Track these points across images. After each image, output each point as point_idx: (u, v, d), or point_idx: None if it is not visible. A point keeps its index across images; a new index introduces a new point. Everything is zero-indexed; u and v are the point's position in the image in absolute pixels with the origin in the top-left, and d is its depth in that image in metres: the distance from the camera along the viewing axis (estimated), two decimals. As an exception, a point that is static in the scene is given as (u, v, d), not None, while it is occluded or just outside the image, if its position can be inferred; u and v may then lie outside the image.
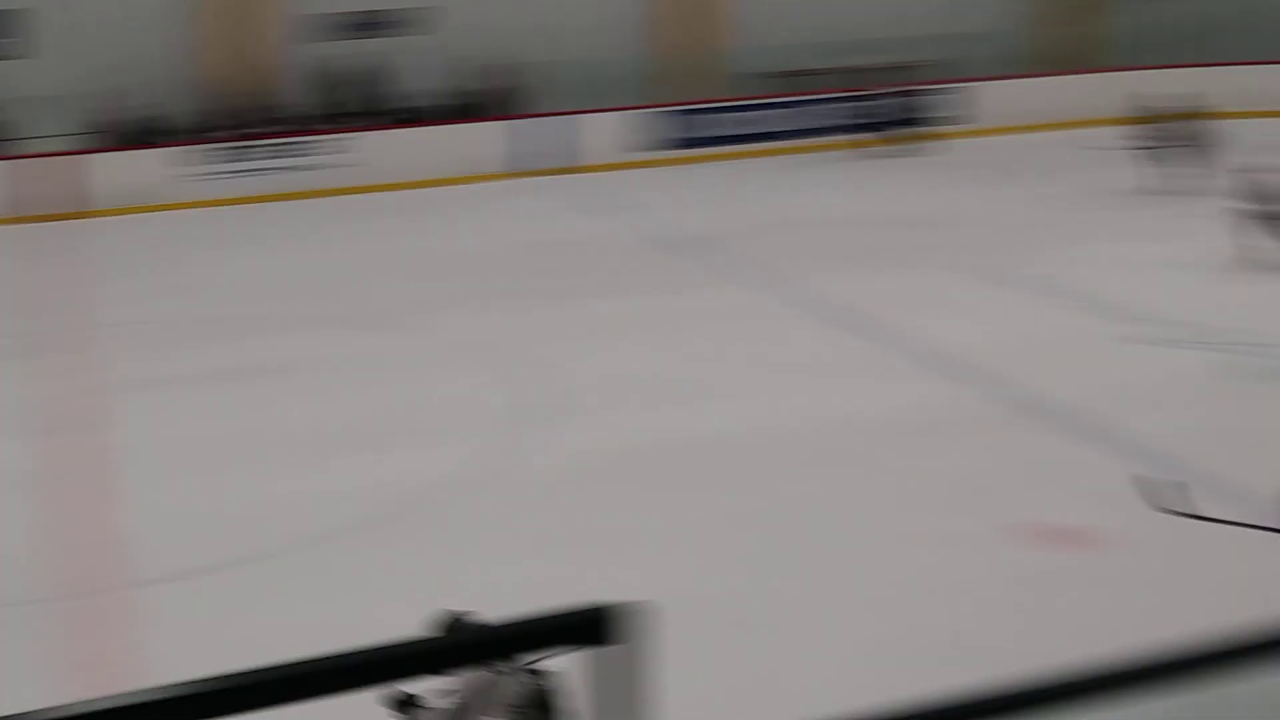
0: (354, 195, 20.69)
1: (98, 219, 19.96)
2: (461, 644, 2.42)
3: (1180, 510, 7.93)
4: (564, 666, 4.13)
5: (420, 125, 22.15)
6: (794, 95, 23.43)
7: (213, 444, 11.02)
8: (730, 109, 23.25)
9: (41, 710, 1.78)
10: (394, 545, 9.18)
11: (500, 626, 2.12)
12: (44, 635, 8.05)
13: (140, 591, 8.58)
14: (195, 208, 20.47)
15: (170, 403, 11.99)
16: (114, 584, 8.77)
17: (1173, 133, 18.31)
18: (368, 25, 23.00)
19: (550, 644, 2.15)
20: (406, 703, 5.19)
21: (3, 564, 8.94)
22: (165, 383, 12.50)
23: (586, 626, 1.99)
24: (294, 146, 21.43)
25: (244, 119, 21.64)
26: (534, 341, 13.38)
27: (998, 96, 23.62)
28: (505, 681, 5.29)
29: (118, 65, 21.54)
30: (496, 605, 7.41)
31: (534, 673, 5.31)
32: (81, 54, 21.69)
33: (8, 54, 21.68)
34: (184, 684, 1.83)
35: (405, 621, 7.69)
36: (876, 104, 22.65)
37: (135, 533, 9.42)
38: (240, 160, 21.21)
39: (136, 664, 7.66)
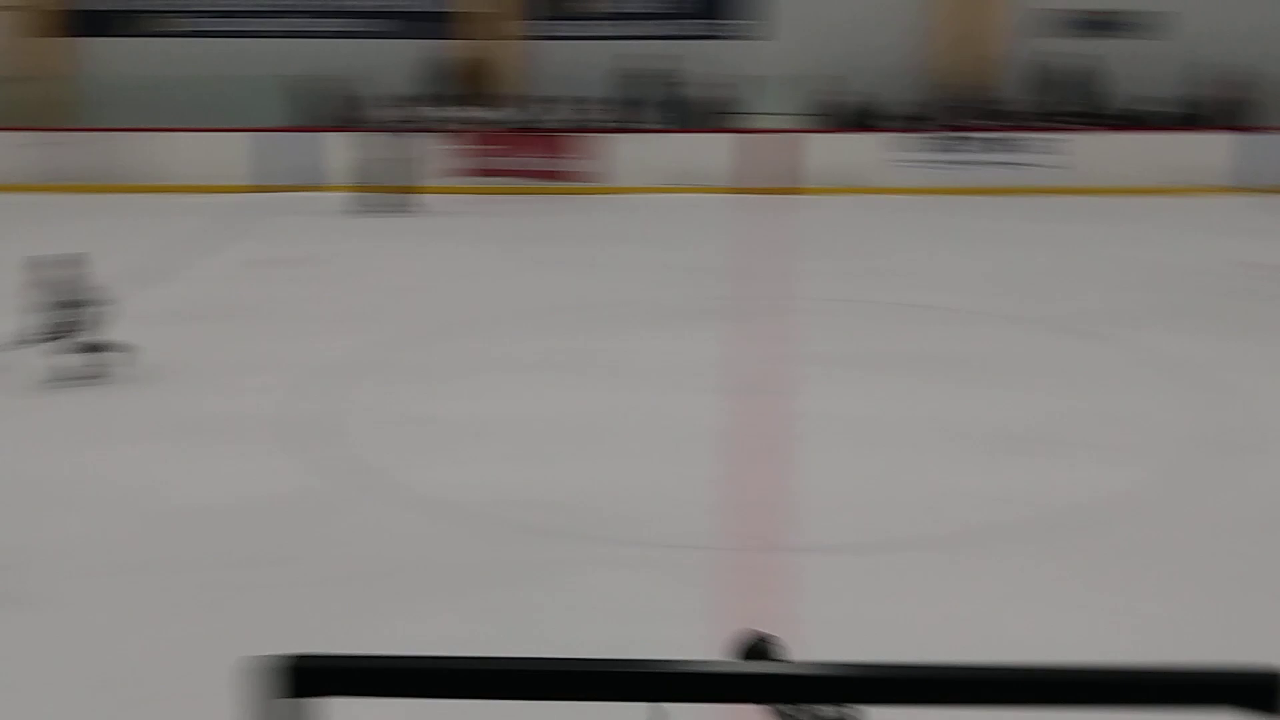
0: (1062, 196, 20.34)
1: (809, 196, 20.88)
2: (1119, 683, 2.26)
3: None
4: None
5: (1140, 130, 21.32)
6: None
7: (887, 425, 11.17)
8: None
9: (690, 662, 1.85)
10: (1054, 555, 8.92)
11: (1155, 672, 1.97)
12: (706, 582, 8.44)
13: (801, 557, 8.83)
14: (902, 194, 20.87)
15: (852, 380, 12.28)
16: (777, 545, 9.09)
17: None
18: (1098, 25, 22.39)
19: (1203, 700, 1.97)
20: None
21: (684, 509, 9.49)
22: (850, 360, 12.83)
23: (1257, 690, 1.81)
24: (1007, 142, 21.32)
25: (961, 110, 21.78)
26: (1231, 369, 12.55)
27: None
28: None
29: (846, 51, 22.42)
30: (1147, 645, 7.09)
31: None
32: (813, 38, 22.74)
33: (747, 35, 23.11)
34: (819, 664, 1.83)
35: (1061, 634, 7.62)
36: None
37: (805, 500, 9.74)
38: (951, 151, 21.37)
39: (783, 625, 7.93)
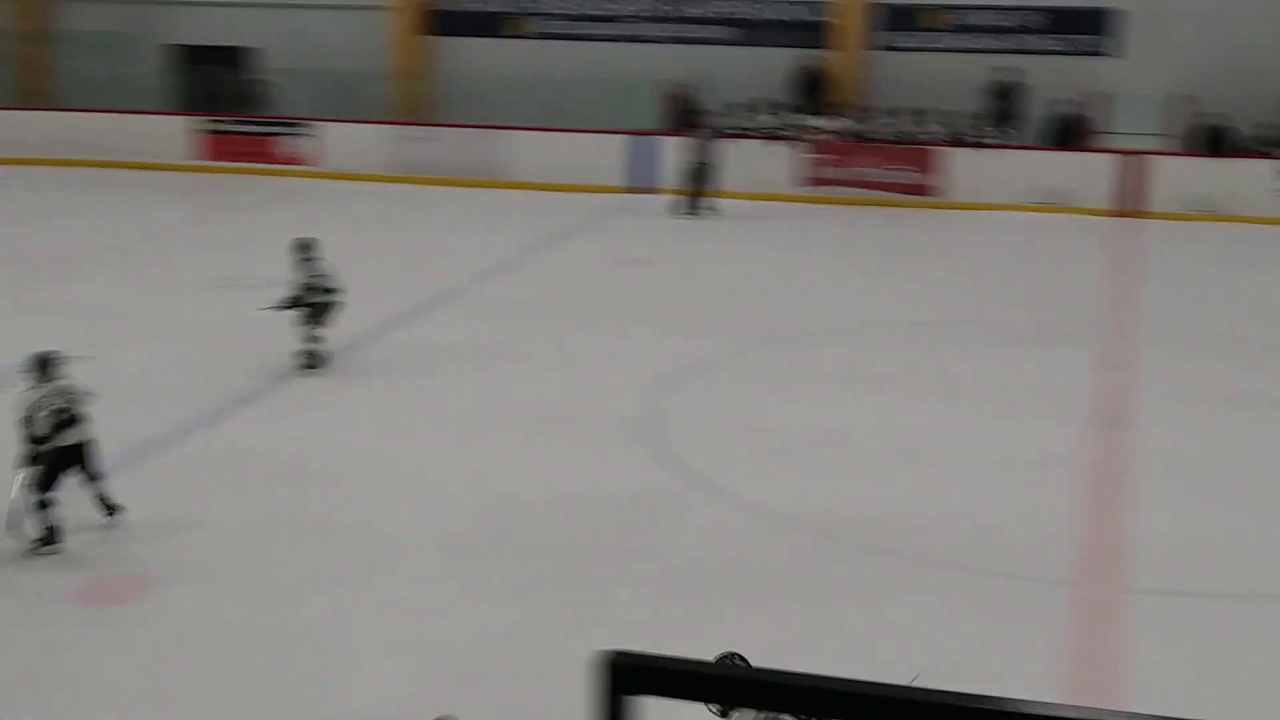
0: None
1: (1160, 221, 20.19)
2: None
3: None
4: None
5: None
6: None
7: (1230, 467, 10.70)
8: None
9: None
10: None
11: None
12: (1042, 617, 8.21)
13: (1134, 598, 8.57)
14: (1262, 223, 19.92)
15: (1207, 417, 11.77)
16: (1112, 583, 8.83)
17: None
18: None
19: None
20: None
21: (1023, 539, 9.25)
22: (1204, 396, 12.32)
23: None
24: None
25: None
26: None
27: None
28: None
29: (1203, 71, 21.51)
30: None
31: None
32: (1168, 57, 21.92)
33: (1100, 51, 22.42)
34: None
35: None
36: None
37: (1141, 538, 9.41)
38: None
39: (1113, 667, 7.72)
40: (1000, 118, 21.84)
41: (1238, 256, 18.32)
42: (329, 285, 12.46)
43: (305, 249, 12.56)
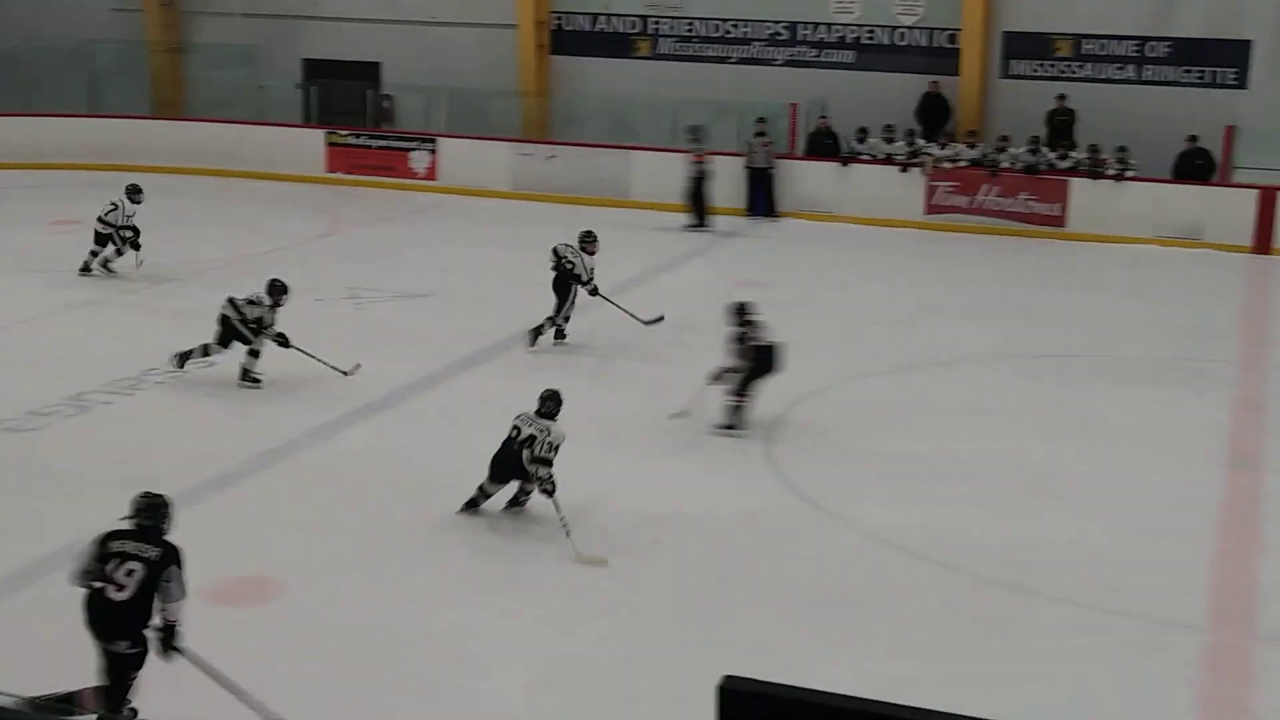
0: None
1: None
2: None
3: None
4: None
5: None
6: None
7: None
8: None
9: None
10: None
11: None
12: (1175, 658, 8.06)
13: (1265, 645, 8.30)
14: None
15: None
16: (1243, 630, 8.56)
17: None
18: None
19: None
20: None
21: (1172, 581, 9.09)
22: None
23: None
24: None
25: None
26: None
27: None
28: None
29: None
30: None
31: None
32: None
33: (1229, 83, 21.91)
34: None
35: None
36: None
37: (1274, 584, 9.11)
38: None
39: (1241, 715, 7.49)
40: (1056, 142, 21.50)
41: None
42: (764, 346, 11.78)
43: (742, 311, 11.87)
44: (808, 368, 13.66)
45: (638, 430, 11.84)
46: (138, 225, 16.58)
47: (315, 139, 24.87)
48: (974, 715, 2.17)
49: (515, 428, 9.60)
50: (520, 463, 9.49)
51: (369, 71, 26.40)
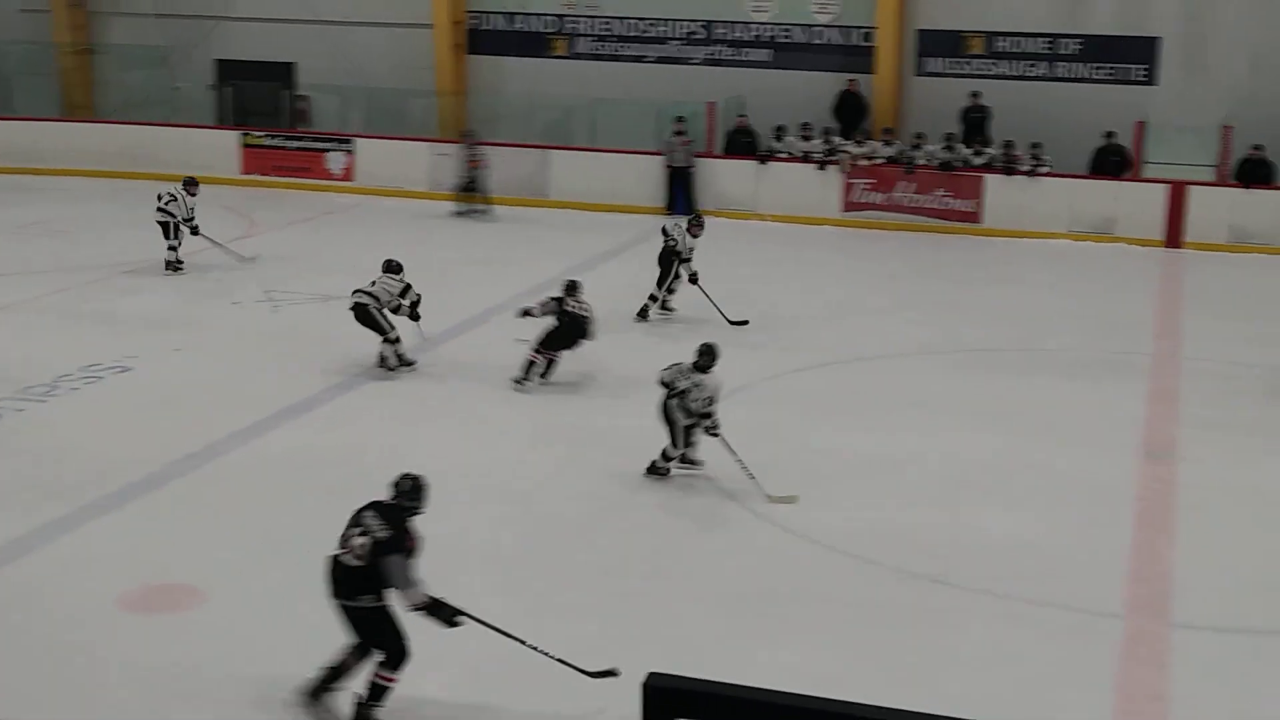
0: None
1: (1195, 251, 20.28)
2: None
3: None
4: None
5: None
6: None
7: (1275, 503, 10.56)
8: None
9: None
10: None
11: None
12: (1096, 646, 8.18)
13: (1181, 633, 8.44)
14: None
15: (1243, 450, 11.66)
16: (1160, 617, 8.69)
17: None
18: None
19: None
20: None
21: (1092, 571, 9.20)
22: (1243, 429, 12.23)
23: None
24: None
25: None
26: None
27: None
28: None
29: (1246, 99, 21.38)
30: None
31: None
32: (1208, 86, 21.80)
33: (1140, 80, 22.28)
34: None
35: None
36: None
37: (1189, 572, 9.27)
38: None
39: (1161, 703, 7.61)
40: (970, 139, 21.82)
41: (1262, 287, 18.14)
42: (579, 316, 12.84)
43: (572, 286, 12.96)
44: (732, 364, 13.70)
45: (564, 429, 11.84)
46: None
47: (230, 140, 24.59)
48: (898, 707, 2.18)
49: (669, 382, 10.18)
50: (670, 414, 10.13)
51: (283, 72, 26.15)
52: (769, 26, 23.93)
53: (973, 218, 21.33)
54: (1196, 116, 21.59)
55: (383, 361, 13.30)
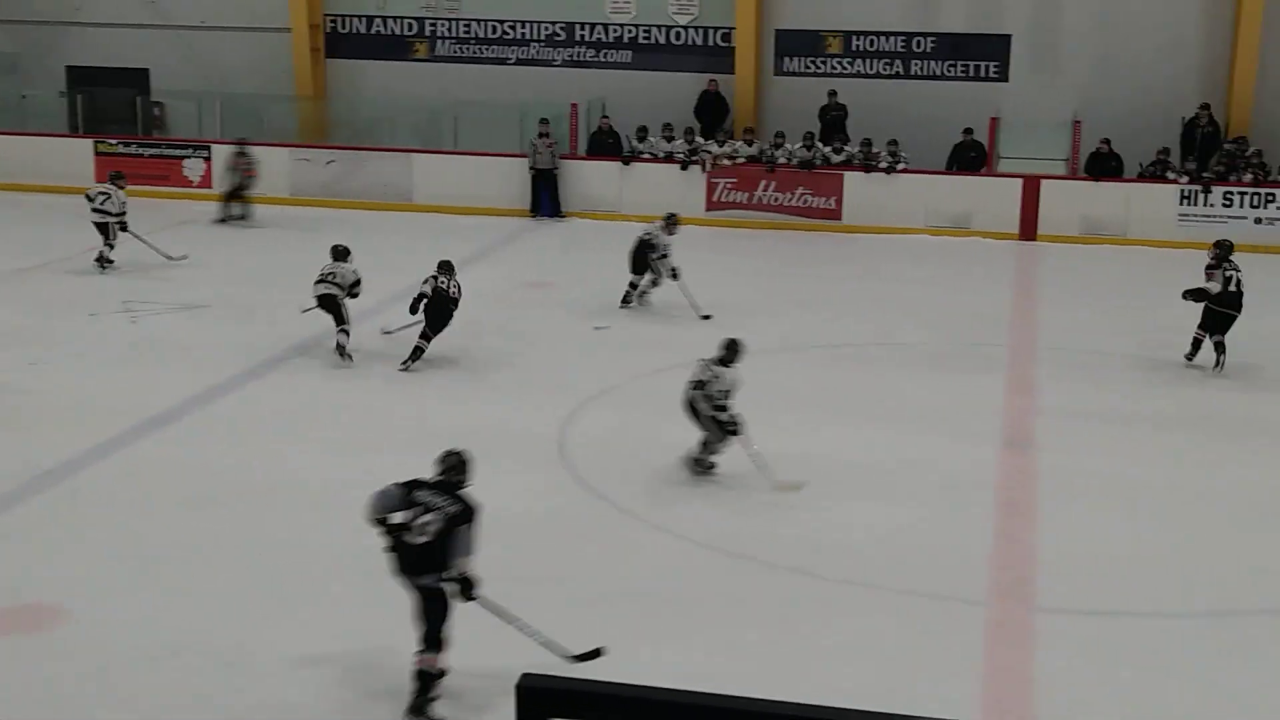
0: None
1: (1051, 244, 20.77)
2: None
3: None
4: None
5: None
6: None
7: (1131, 485, 10.87)
8: None
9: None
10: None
11: None
12: (963, 633, 8.35)
13: (1044, 617, 8.65)
14: (1149, 245, 20.48)
15: (1100, 437, 11.98)
16: (1024, 603, 8.90)
17: None
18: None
19: None
20: None
21: (956, 560, 9.40)
22: (1099, 416, 12.54)
23: None
24: (1257, 198, 20.54)
25: (1218, 160, 21.01)
26: None
27: None
28: None
29: (1095, 94, 21.97)
30: None
31: None
32: (1058, 82, 22.37)
33: (993, 77, 22.78)
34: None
35: None
36: None
37: (1050, 558, 9.50)
38: (1203, 203, 20.69)
39: (1027, 687, 7.80)
40: (830, 137, 22.21)
41: (1135, 279, 18.67)
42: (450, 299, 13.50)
43: (447, 267, 13.61)
44: (600, 366, 13.79)
45: (429, 434, 11.77)
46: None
47: (83, 148, 24.01)
48: (771, 698, 2.22)
49: (693, 376, 10.45)
50: (696, 409, 10.34)
51: (137, 78, 25.64)
52: (629, 28, 24.03)
53: (833, 215, 21.64)
54: (1048, 112, 22.15)
55: (341, 350, 13.56)
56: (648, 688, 2.29)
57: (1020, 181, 21.21)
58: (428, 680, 7.19)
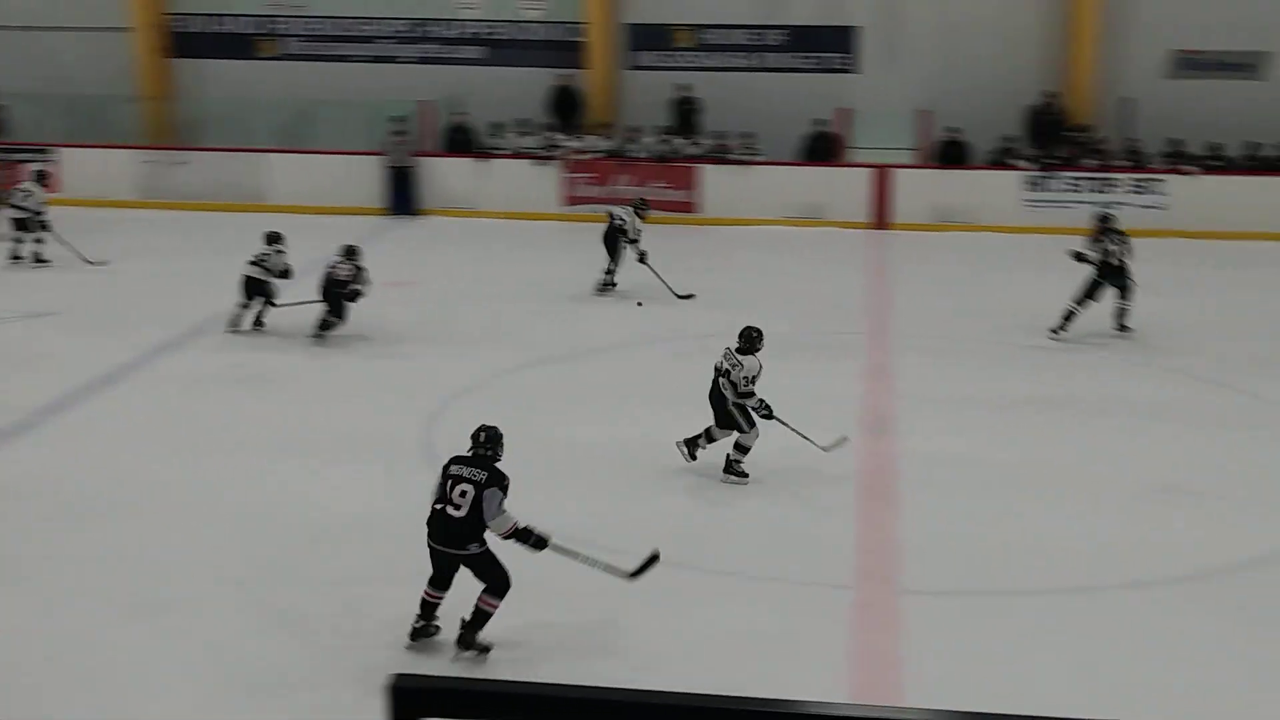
0: (1160, 238, 19.80)
1: (903, 231, 21.19)
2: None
3: None
4: None
5: (1232, 174, 21.05)
6: None
7: (991, 469, 11.10)
8: None
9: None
10: (1179, 610, 8.78)
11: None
12: (831, 618, 8.47)
13: (910, 599, 8.81)
14: (1000, 231, 20.90)
15: (954, 421, 12.22)
16: (890, 586, 9.05)
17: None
18: (1208, 65, 22.11)
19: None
20: None
21: (822, 546, 9.54)
22: (952, 400, 12.78)
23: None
24: (1098, 182, 21.14)
25: (1061, 147, 21.58)
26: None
27: None
28: None
29: (943, 84, 22.40)
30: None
31: None
32: (907, 72, 22.77)
33: (844, 68, 23.14)
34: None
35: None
36: None
37: (913, 540, 9.68)
38: (1048, 189, 21.22)
39: (896, 668, 7.94)
40: (683, 131, 22.33)
41: (985, 264, 19.08)
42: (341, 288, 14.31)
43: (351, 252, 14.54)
44: (461, 363, 13.72)
45: (295, 437, 11.62)
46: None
47: (-83, 154, 23.21)
48: (640, 688, 2.23)
49: (717, 365, 10.67)
50: (722, 398, 10.55)
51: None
52: (479, 24, 23.90)
53: (690, 208, 21.78)
54: (897, 102, 22.52)
55: (258, 321, 14.66)
56: (520, 683, 2.28)
57: (872, 171, 21.55)
58: (483, 618, 7.86)
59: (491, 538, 7.83)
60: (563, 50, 23.57)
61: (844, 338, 15.07)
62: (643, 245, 16.65)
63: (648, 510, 10.11)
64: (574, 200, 21.98)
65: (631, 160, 21.82)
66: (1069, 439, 11.89)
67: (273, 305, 14.62)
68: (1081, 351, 14.44)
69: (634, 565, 8.18)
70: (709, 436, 10.86)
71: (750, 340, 10.75)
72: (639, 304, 16.07)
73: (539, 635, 8.17)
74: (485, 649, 7.92)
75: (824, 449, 10.79)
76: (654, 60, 23.57)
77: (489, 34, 23.90)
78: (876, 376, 13.70)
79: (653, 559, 8.18)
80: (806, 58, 23.23)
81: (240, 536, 9.55)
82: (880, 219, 21.43)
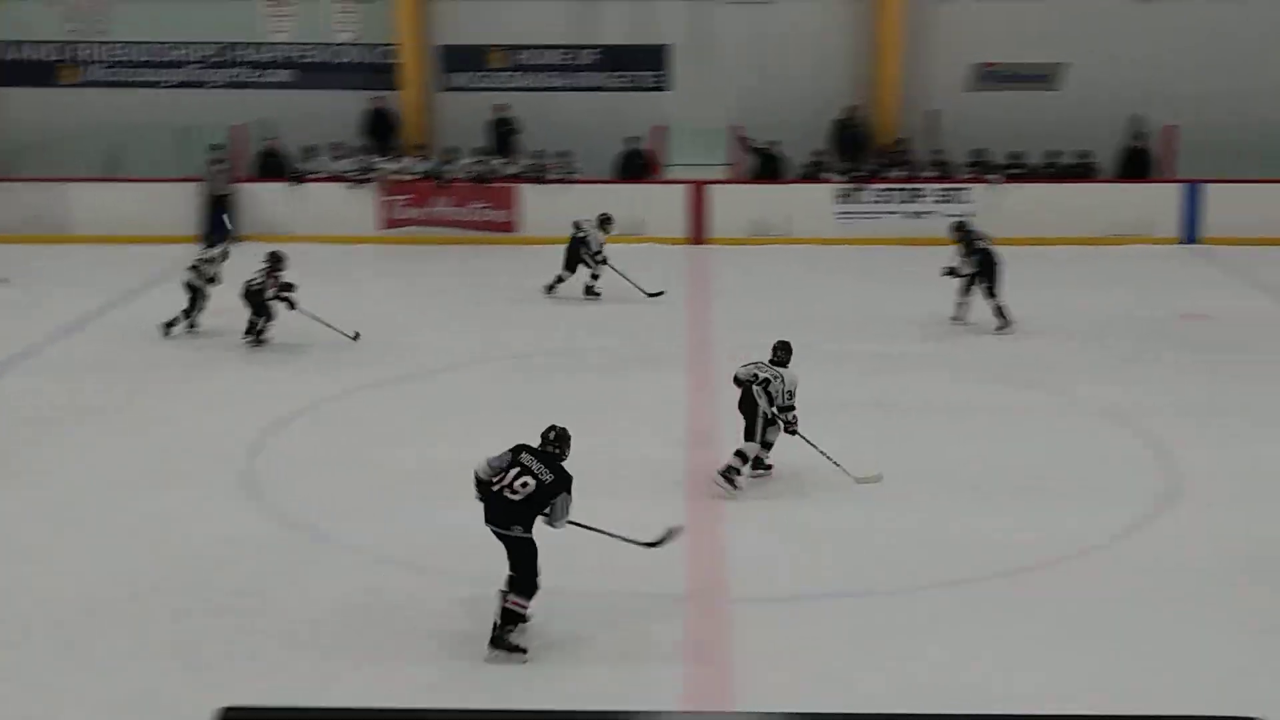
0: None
1: (718, 246, 21.46)
2: None
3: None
4: None
5: (1033, 182, 21.82)
6: None
7: (813, 472, 11.31)
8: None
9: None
10: (1020, 607, 9.07)
11: None
12: (670, 626, 8.61)
13: (740, 606, 8.97)
14: (812, 243, 21.35)
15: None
16: (719, 594, 9.20)
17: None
18: (1005, 77, 22.91)
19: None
20: None
21: (654, 557, 9.51)
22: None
23: None
24: (906, 193, 21.72)
25: (867, 160, 22.16)
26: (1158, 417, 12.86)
27: None
28: None
29: (753, 99, 22.82)
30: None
31: None
32: (718, 88, 23.13)
33: (657, 86, 23.42)
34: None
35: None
36: None
37: (740, 549, 9.84)
38: (858, 201, 21.74)
39: (729, 674, 8.09)
40: (501, 150, 22.47)
41: (800, 274, 19.43)
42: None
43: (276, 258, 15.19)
44: (288, 388, 13.52)
45: (115, 472, 11.34)
46: None
47: None
48: (484, 709, 2.24)
49: (752, 375, 10.79)
50: (754, 407, 10.73)
51: None
52: (289, 47, 23.58)
53: (510, 227, 21.79)
54: (710, 119, 22.84)
55: (190, 321, 15.52)
56: (356, 710, 2.31)
57: (688, 187, 21.82)
58: (512, 618, 8.08)
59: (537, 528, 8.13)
60: (375, 72, 23.38)
61: (667, 351, 15.22)
62: (603, 254, 17.53)
63: (470, 529, 10.04)
64: (393, 223, 21.82)
65: (449, 181, 21.74)
66: (889, 440, 12.19)
67: (200, 311, 15.54)
68: (900, 355, 14.84)
69: (651, 538, 8.72)
70: (742, 457, 10.92)
71: (788, 352, 11.07)
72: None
73: (374, 661, 8.09)
74: (520, 650, 8.09)
75: (857, 480, 10.92)
76: (468, 81, 23.53)
77: (300, 57, 23.59)
78: (700, 388, 13.85)
79: (673, 531, 8.71)
80: (620, 76, 23.43)
81: (65, 578, 9.27)
82: (698, 234, 21.70)
